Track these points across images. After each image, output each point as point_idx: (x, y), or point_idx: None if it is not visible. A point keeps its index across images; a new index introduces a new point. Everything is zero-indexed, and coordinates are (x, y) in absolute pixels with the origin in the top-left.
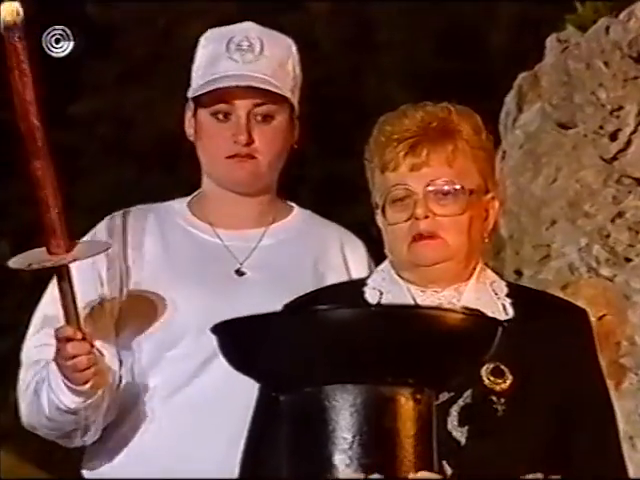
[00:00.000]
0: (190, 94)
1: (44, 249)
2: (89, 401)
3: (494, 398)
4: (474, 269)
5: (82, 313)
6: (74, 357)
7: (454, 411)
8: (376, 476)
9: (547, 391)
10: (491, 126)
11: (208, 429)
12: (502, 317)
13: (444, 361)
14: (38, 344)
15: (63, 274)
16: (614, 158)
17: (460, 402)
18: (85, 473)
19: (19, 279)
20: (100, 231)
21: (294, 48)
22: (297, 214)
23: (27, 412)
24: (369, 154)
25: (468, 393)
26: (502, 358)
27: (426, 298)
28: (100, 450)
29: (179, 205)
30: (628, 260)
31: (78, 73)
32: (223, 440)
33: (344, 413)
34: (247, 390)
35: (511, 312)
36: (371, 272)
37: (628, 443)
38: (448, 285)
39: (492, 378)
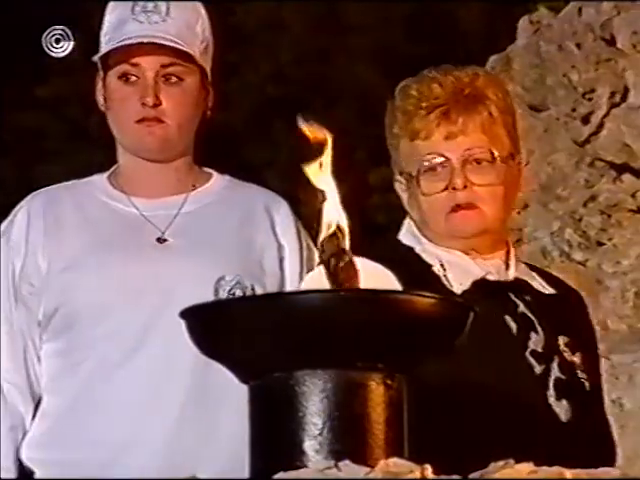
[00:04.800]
0: (95, 58)
1: None
2: None
3: (579, 372)
4: (508, 239)
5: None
6: None
7: (551, 384)
8: (346, 462)
9: (592, 368)
10: None
11: (155, 404)
12: (545, 291)
13: (415, 346)
14: None
15: None
16: (586, 141)
17: (552, 375)
18: (34, 464)
19: None
20: (19, 220)
21: (203, 11)
22: (217, 179)
23: None
24: (392, 121)
25: (555, 365)
26: (567, 332)
27: (479, 264)
28: (49, 440)
29: (99, 178)
30: (600, 244)
31: (46, 55)
32: (170, 415)
33: (314, 399)
34: (188, 362)
35: (548, 287)
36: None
37: None
38: (487, 254)
39: (569, 351)
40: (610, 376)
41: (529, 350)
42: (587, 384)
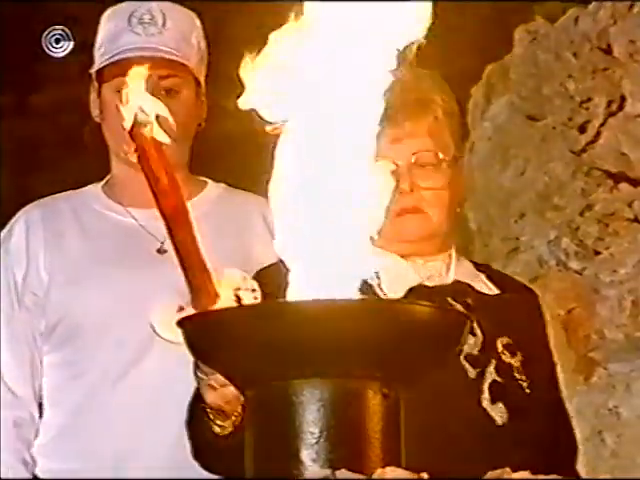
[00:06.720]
0: (92, 71)
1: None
2: None
3: (517, 375)
4: (451, 242)
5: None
6: None
7: (485, 387)
8: (343, 471)
9: (539, 370)
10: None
11: (156, 416)
12: (489, 292)
13: (412, 355)
14: None
15: None
16: (583, 150)
17: (488, 378)
18: (39, 474)
19: None
20: (18, 231)
21: (198, 22)
22: (212, 187)
23: None
24: None
25: (491, 367)
26: (509, 333)
27: (417, 269)
28: (52, 450)
29: (94, 188)
30: (597, 253)
31: (41, 63)
32: (173, 426)
33: (311, 408)
34: (189, 372)
35: (493, 287)
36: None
37: (597, 437)
38: (430, 257)
39: (507, 353)
40: (607, 385)
41: (464, 354)
42: (525, 385)
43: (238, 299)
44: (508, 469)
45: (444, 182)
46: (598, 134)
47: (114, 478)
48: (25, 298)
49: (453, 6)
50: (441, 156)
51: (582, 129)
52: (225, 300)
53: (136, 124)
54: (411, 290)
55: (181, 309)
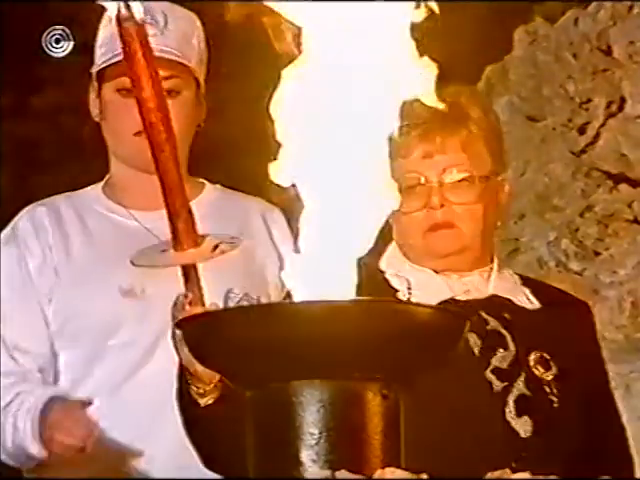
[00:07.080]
0: (93, 71)
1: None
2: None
3: (547, 389)
4: (493, 255)
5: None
6: None
7: (511, 401)
8: (343, 472)
9: (578, 383)
10: None
11: (161, 416)
12: (530, 306)
13: (411, 356)
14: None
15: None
16: (583, 151)
17: (515, 391)
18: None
19: None
20: (24, 226)
21: (198, 23)
22: (209, 189)
23: None
24: None
25: (520, 381)
26: (546, 347)
27: (452, 284)
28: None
29: (94, 191)
30: (597, 254)
31: (41, 63)
32: (177, 426)
33: (311, 409)
34: None
35: (536, 302)
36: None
37: None
38: (467, 271)
39: (540, 368)
40: None
41: (491, 368)
42: (555, 400)
43: (216, 247)
44: (508, 470)
45: (476, 197)
46: (598, 135)
47: (117, 478)
48: (42, 284)
49: (453, 6)
50: (474, 172)
51: (582, 130)
52: (205, 247)
53: (122, 21)
54: (442, 304)
55: (164, 251)
